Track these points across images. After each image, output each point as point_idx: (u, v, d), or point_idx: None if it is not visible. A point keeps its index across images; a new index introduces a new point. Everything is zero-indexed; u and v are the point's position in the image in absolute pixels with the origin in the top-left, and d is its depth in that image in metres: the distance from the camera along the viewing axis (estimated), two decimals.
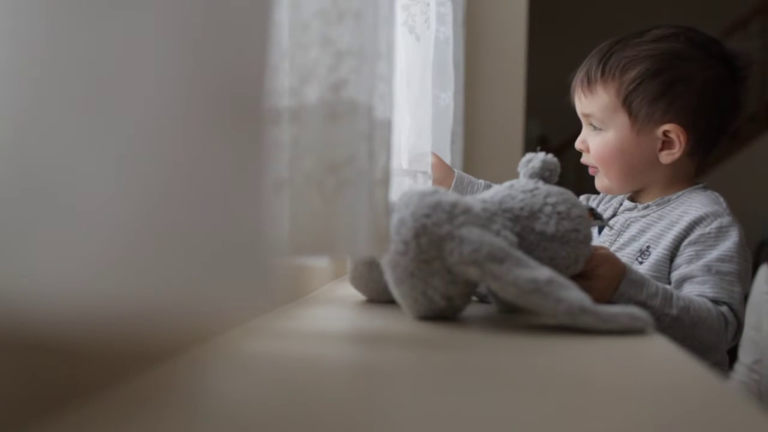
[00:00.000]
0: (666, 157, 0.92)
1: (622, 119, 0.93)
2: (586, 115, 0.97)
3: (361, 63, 0.44)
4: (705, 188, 0.94)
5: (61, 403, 0.28)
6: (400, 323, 0.56)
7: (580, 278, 0.67)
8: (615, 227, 0.97)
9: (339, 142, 0.44)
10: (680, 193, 0.93)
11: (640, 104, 0.91)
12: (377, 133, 0.47)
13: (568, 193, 0.66)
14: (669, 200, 0.93)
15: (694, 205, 0.90)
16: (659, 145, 0.92)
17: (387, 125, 0.49)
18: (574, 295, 0.51)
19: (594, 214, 0.71)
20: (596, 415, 0.32)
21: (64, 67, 0.19)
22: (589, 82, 0.95)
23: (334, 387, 0.37)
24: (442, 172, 1.10)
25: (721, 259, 0.83)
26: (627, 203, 0.99)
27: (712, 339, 0.78)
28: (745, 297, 0.88)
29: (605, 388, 0.38)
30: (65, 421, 0.27)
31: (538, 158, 0.67)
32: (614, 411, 0.33)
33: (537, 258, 0.59)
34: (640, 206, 0.96)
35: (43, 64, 0.19)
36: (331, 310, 0.67)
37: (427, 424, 0.30)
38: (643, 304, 0.73)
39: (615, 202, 1.02)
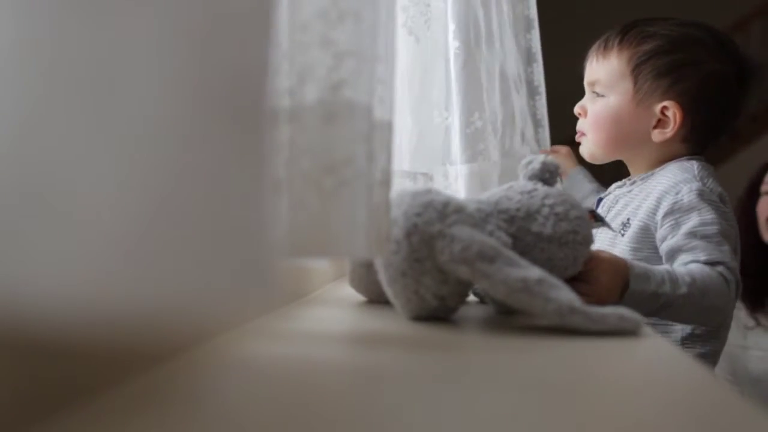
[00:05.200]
0: (658, 135, 0.93)
1: (626, 87, 0.94)
2: (592, 83, 0.99)
3: (360, 64, 0.44)
4: (689, 159, 0.93)
5: (61, 404, 0.28)
6: (400, 324, 0.56)
7: (580, 282, 0.67)
8: (606, 204, 0.99)
9: (337, 143, 0.44)
10: (664, 166, 0.94)
11: (646, 77, 0.93)
12: (376, 135, 0.47)
13: (567, 195, 0.65)
14: (653, 174, 0.94)
15: (666, 175, 0.91)
16: (654, 122, 0.93)
17: (387, 126, 0.49)
18: (564, 295, 0.51)
19: (595, 216, 0.71)
20: (595, 416, 0.32)
21: (63, 69, 0.19)
22: (606, 47, 0.98)
23: (334, 388, 0.37)
24: (566, 163, 1.25)
25: (702, 224, 0.83)
26: (620, 182, 1.01)
27: (722, 301, 0.79)
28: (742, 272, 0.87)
29: (603, 388, 0.38)
30: (65, 422, 0.27)
31: (537, 160, 0.67)
32: (613, 411, 0.33)
33: (534, 259, 0.59)
34: (628, 182, 0.98)
35: (43, 65, 0.19)
36: (331, 311, 0.67)
37: (427, 425, 0.30)
38: (655, 294, 0.74)
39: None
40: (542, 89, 1.44)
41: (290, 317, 0.58)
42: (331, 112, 0.44)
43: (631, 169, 1.00)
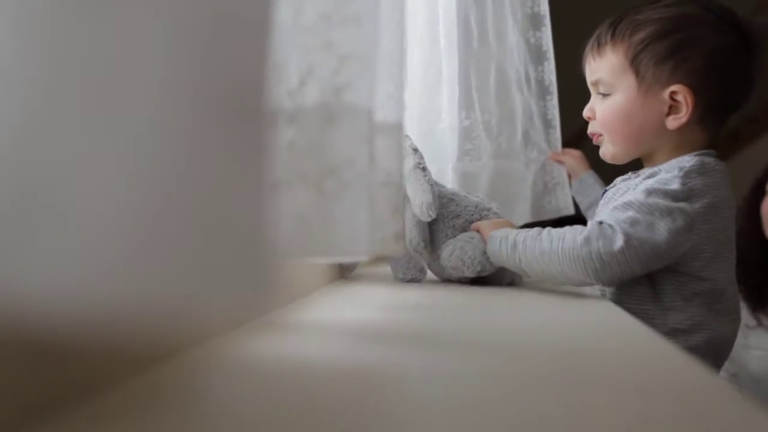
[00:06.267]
0: (673, 122, 0.90)
1: (629, 81, 0.91)
2: (594, 83, 0.96)
3: (362, 66, 0.44)
4: (697, 155, 0.89)
5: (60, 404, 0.28)
6: (402, 324, 0.56)
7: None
8: (607, 195, 0.98)
9: (338, 145, 0.44)
10: (670, 161, 0.90)
11: (648, 65, 0.90)
12: (382, 136, 0.47)
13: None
14: (659, 169, 0.90)
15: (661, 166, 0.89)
16: (666, 110, 0.90)
17: (396, 128, 0.49)
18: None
19: None
20: (595, 415, 0.32)
21: (64, 69, 0.19)
22: (599, 45, 0.95)
23: (335, 388, 0.37)
24: (578, 166, 1.33)
25: (633, 196, 0.83)
26: (626, 175, 0.99)
27: (577, 251, 0.79)
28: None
29: (602, 387, 0.38)
30: (64, 422, 0.27)
31: None
32: (613, 410, 0.33)
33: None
34: (633, 175, 0.96)
35: (43, 65, 0.19)
36: (332, 310, 0.67)
37: (428, 425, 0.30)
38: (505, 238, 0.87)
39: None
40: (554, 89, 1.40)
41: (290, 317, 0.58)
42: (333, 115, 0.44)
43: (648, 166, 0.96)
